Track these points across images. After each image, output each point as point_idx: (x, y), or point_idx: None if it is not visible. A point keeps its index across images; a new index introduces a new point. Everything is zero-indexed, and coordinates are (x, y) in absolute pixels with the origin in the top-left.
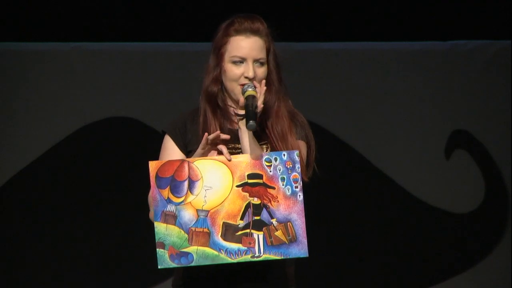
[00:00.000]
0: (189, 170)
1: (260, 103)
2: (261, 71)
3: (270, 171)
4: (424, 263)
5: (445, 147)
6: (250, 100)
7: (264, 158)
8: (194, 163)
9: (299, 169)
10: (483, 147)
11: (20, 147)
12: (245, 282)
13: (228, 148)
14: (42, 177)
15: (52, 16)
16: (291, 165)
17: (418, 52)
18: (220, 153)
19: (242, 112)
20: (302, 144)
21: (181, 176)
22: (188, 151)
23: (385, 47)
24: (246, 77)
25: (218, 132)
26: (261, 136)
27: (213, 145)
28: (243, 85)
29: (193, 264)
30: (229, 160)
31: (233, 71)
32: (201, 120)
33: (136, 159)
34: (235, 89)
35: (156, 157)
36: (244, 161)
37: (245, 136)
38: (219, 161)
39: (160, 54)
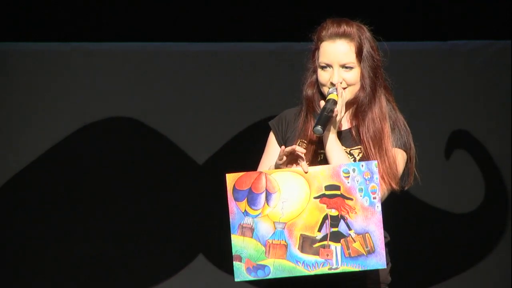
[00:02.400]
0: (266, 182)
1: (339, 108)
2: (350, 75)
3: (348, 182)
4: (424, 263)
5: (445, 147)
6: (328, 104)
7: (342, 169)
8: (272, 175)
9: (377, 180)
10: (483, 147)
11: (20, 147)
12: None
13: (319, 153)
14: (42, 177)
15: (52, 16)
16: (369, 176)
17: (418, 52)
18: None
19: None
20: (399, 152)
21: (258, 188)
22: None
23: (385, 47)
24: (331, 83)
25: (294, 147)
26: (356, 141)
27: (292, 157)
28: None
29: (270, 276)
30: (306, 172)
31: (321, 76)
32: (301, 122)
33: (136, 159)
34: (325, 93)
35: (155, 157)
36: (321, 172)
37: (328, 141)
38: (297, 172)
39: (160, 54)
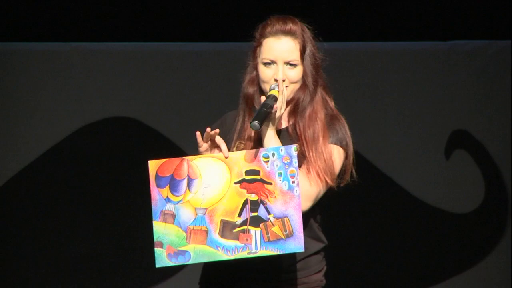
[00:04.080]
0: (188, 168)
1: (279, 105)
2: (293, 73)
3: (268, 167)
4: (424, 263)
5: (445, 147)
6: (269, 100)
7: (261, 154)
8: (193, 161)
9: (296, 164)
10: (483, 147)
11: (20, 147)
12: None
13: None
14: (42, 177)
15: (52, 16)
16: (288, 160)
17: (418, 52)
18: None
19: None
20: (336, 149)
21: (180, 174)
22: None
23: (385, 47)
24: (275, 80)
25: (208, 129)
26: (293, 137)
27: (213, 143)
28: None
29: (190, 262)
30: (226, 157)
31: (264, 72)
32: (240, 120)
33: (136, 159)
34: (267, 90)
35: (155, 157)
36: (242, 157)
37: (267, 136)
38: (218, 158)
39: (160, 54)
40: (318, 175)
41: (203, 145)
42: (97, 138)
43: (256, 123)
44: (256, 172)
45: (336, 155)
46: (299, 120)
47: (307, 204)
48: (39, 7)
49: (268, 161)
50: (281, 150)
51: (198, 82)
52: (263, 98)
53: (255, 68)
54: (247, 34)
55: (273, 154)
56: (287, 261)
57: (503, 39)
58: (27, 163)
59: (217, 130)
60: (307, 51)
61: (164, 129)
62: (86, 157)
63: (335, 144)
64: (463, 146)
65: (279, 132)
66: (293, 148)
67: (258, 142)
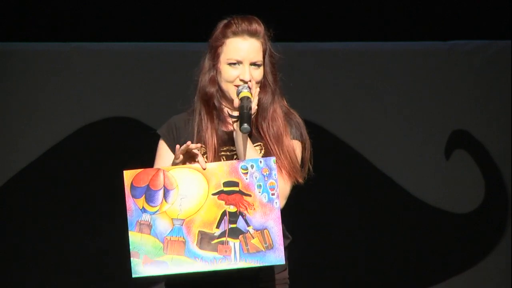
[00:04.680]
0: (164, 179)
1: (254, 105)
2: (257, 73)
3: (247, 179)
4: (424, 263)
5: (445, 147)
6: (245, 102)
7: (240, 166)
8: (170, 171)
9: (276, 176)
10: (483, 147)
11: (20, 147)
12: None
13: (223, 151)
14: (42, 177)
15: (52, 16)
16: (267, 172)
17: (418, 52)
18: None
19: (237, 113)
20: (297, 144)
21: (156, 185)
22: None
23: (385, 47)
24: (241, 80)
25: (188, 142)
26: (256, 137)
27: (188, 155)
28: (238, 86)
29: (167, 272)
30: (204, 169)
31: (228, 72)
32: (197, 121)
33: (135, 159)
34: (230, 90)
35: (154, 157)
36: (220, 169)
37: (240, 139)
38: (195, 169)
39: (160, 54)
40: (288, 173)
41: (180, 157)
42: (97, 138)
43: (246, 125)
44: (235, 184)
45: (298, 150)
46: (261, 120)
47: (283, 202)
48: (39, 7)
49: (247, 173)
50: (260, 162)
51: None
52: (236, 101)
53: (215, 68)
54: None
55: (252, 166)
56: None
57: (503, 39)
58: (27, 163)
59: (198, 145)
60: (268, 51)
61: None
62: (86, 157)
63: (296, 139)
64: (463, 146)
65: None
66: (272, 160)
67: (222, 144)
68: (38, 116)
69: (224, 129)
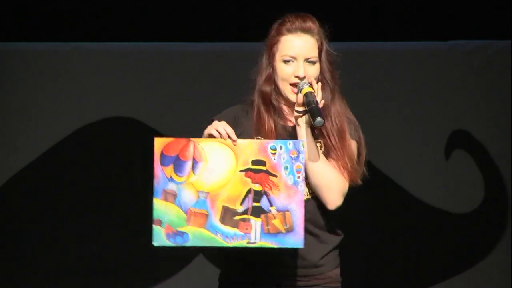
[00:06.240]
0: (194, 150)
1: (319, 99)
2: (312, 70)
3: (274, 159)
4: (424, 263)
5: (445, 147)
6: (310, 96)
7: (269, 145)
8: (200, 144)
9: (303, 160)
10: (483, 147)
11: (20, 147)
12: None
13: None
14: (42, 177)
15: (52, 16)
16: (295, 155)
17: (418, 52)
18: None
19: (300, 109)
20: (355, 145)
21: (185, 156)
22: None
23: (385, 47)
24: (296, 76)
25: (227, 127)
26: (316, 135)
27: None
28: (293, 84)
29: (188, 244)
30: (235, 145)
31: (283, 70)
32: (255, 117)
33: (135, 159)
34: (286, 88)
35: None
36: (249, 146)
37: (303, 133)
38: (225, 144)
39: (160, 54)
40: (349, 172)
41: (214, 132)
42: (97, 138)
43: (319, 119)
44: (262, 163)
45: (355, 151)
46: (325, 117)
47: (341, 200)
48: (39, 7)
49: (275, 153)
50: (289, 144)
51: (198, 82)
52: (300, 98)
53: (271, 66)
54: (248, 34)
55: (281, 147)
56: (316, 255)
57: (503, 39)
58: (27, 163)
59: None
60: (324, 49)
61: (164, 129)
62: (86, 157)
63: (354, 139)
64: (463, 146)
65: (293, 128)
66: (301, 144)
67: (281, 139)
68: (38, 116)
69: (283, 123)
